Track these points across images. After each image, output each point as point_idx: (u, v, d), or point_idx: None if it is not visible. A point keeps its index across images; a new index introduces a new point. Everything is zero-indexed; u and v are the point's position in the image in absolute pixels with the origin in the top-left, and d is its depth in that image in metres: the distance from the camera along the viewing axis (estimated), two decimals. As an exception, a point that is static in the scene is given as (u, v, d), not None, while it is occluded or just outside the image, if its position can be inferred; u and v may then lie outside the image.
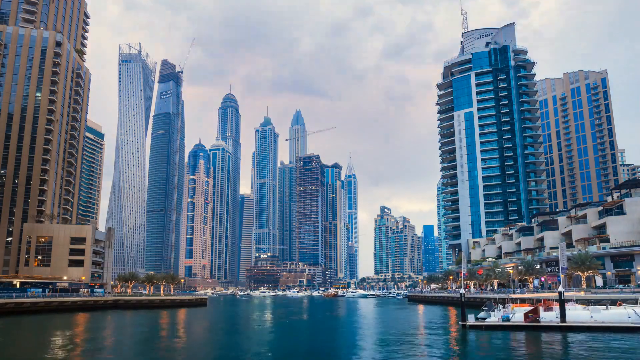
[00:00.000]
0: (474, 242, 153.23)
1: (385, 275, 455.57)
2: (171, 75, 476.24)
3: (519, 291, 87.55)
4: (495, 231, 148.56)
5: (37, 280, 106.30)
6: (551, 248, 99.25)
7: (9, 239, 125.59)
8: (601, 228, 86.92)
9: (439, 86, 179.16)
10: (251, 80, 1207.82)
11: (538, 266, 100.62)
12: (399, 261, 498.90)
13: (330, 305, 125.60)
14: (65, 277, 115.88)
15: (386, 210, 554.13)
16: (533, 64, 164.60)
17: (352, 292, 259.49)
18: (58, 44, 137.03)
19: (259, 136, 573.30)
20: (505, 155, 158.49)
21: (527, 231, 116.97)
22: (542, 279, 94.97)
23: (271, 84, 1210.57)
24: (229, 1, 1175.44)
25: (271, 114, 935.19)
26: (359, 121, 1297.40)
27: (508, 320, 49.20)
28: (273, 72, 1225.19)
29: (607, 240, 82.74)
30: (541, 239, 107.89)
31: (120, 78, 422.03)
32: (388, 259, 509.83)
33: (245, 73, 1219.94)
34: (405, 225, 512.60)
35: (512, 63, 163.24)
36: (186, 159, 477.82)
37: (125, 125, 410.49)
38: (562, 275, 76.07)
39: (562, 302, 47.39)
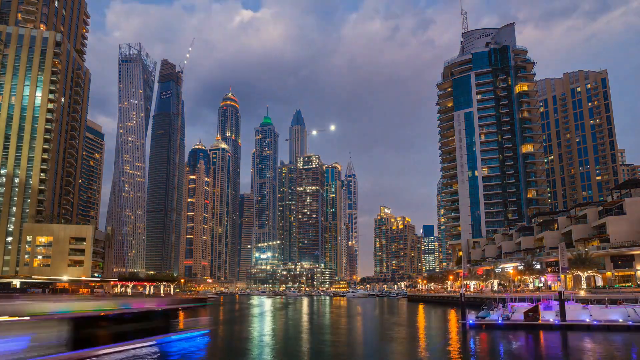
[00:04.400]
0: (474, 242, 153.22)
1: (385, 275, 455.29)
2: (171, 75, 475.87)
3: (519, 290, 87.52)
4: (495, 231, 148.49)
5: (37, 280, 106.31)
6: (551, 248, 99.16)
7: (9, 238, 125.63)
8: (601, 228, 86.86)
9: (439, 86, 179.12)
10: (252, 80, 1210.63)
11: (538, 266, 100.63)
12: (399, 261, 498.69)
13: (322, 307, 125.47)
14: (65, 277, 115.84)
15: (386, 210, 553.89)
16: (533, 63, 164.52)
17: (352, 291, 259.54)
18: (58, 44, 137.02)
19: (259, 136, 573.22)
20: (505, 155, 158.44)
21: (527, 231, 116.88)
22: (542, 278, 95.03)
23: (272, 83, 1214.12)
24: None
25: (271, 114, 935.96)
26: (359, 120, 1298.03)
27: (508, 319, 49.29)
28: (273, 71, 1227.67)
29: (607, 240, 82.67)
30: (541, 239, 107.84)
31: (120, 78, 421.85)
32: (388, 259, 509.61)
33: (245, 72, 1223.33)
34: (405, 225, 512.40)
35: (512, 63, 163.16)
36: (186, 159, 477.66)
37: (125, 125, 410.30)
38: (562, 275, 76.22)
39: (562, 301, 47.48)
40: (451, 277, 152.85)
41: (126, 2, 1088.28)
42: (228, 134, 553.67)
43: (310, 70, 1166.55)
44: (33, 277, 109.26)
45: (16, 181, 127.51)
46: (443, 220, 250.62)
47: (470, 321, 50.01)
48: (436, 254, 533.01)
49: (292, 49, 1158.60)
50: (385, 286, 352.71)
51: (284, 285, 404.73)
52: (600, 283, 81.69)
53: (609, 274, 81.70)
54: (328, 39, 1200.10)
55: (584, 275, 79.42)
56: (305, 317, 75.07)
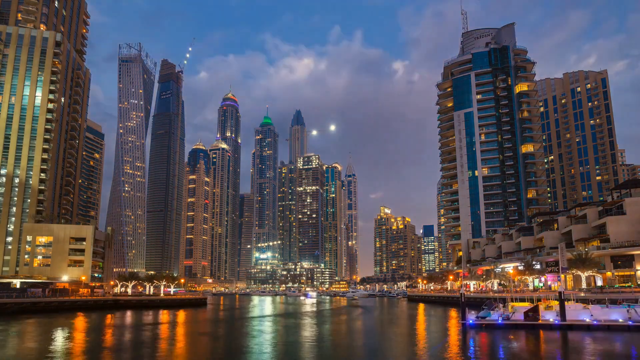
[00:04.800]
0: (474, 242, 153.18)
1: (385, 275, 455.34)
2: (171, 75, 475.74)
3: (519, 291, 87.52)
4: (495, 231, 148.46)
5: (37, 280, 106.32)
6: (551, 248, 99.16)
7: (9, 238, 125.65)
8: (601, 228, 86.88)
9: (439, 86, 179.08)
10: (252, 80, 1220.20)
11: (538, 266, 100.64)
12: (399, 261, 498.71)
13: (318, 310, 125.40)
14: (65, 277, 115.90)
15: (386, 210, 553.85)
16: (533, 63, 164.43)
17: (352, 291, 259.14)
18: (58, 44, 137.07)
19: (259, 136, 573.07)
20: (505, 155, 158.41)
21: (527, 231, 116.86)
22: (542, 278, 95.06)
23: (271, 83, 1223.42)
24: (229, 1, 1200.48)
25: (271, 114, 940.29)
26: (360, 121, 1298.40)
27: (508, 319, 49.29)
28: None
29: (607, 240, 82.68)
30: (541, 239, 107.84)
31: (120, 78, 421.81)
32: (388, 259, 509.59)
33: (245, 73, 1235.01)
34: (405, 225, 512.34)
35: (512, 63, 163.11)
36: (186, 159, 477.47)
37: (125, 125, 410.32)
38: (562, 275, 76.24)
39: (562, 301, 47.48)
40: (451, 277, 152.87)
41: (219, 55, 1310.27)
42: (228, 134, 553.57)
43: (344, 112, 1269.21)
44: (33, 277, 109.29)
45: (16, 181, 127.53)
46: (443, 220, 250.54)
47: (470, 321, 50.01)
48: (436, 254, 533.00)
49: (340, 97, 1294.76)
50: (385, 286, 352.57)
51: (284, 285, 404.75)
52: (600, 283, 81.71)
53: (609, 274, 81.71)
54: (367, 90, 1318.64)
55: (584, 275, 79.43)
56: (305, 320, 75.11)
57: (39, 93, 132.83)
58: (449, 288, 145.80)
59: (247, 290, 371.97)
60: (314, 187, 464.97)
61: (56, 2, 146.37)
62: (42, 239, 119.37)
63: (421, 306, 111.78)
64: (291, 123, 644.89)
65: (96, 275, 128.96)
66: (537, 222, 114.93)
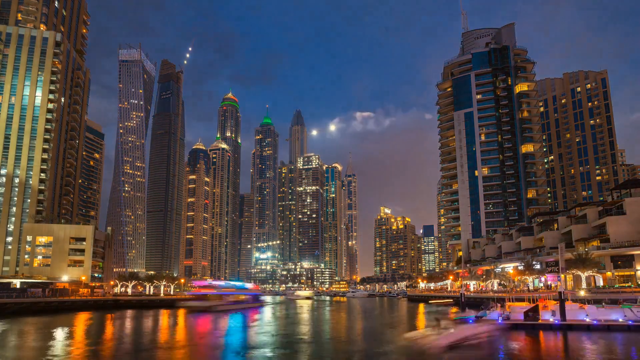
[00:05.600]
0: (474, 242, 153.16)
1: (385, 275, 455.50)
2: (171, 75, 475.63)
3: (519, 291, 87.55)
4: (495, 231, 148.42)
5: (37, 280, 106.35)
6: (551, 248, 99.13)
7: (9, 238, 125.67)
8: (601, 228, 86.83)
9: (439, 86, 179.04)
10: (251, 80, 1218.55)
11: (538, 266, 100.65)
12: (398, 261, 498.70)
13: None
14: (65, 277, 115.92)
15: (386, 210, 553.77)
16: (533, 63, 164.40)
17: (353, 291, 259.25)
18: (58, 44, 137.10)
19: (259, 136, 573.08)
20: (505, 155, 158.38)
21: (527, 231, 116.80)
22: (542, 278, 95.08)
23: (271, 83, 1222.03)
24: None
25: (271, 114, 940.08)
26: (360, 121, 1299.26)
27: (508, 318, 49.32)
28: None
29: (607, 240, 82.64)
30: (541, 239, 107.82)
31: (120, 78, 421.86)
32: (388, 259, 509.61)
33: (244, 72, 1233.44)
34: (405, 225, 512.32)
35: (512, 63, 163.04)
36: (186, 159, 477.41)
37: (125, 125, 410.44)
38: (562, 275, 76.30)
39: (562, 301, 47.52)
40: (451, 277, 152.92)
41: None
42: (228, 134, 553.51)
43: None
44: (33, 277, 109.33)
45: (16, 181, 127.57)
46: (443, 220, 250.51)
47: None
48: (436, 254, 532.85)
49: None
50: (385, 286, 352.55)
51: (284, 286, 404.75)
52: (600, 283, 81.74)
53: (609, 274, 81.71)
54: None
55: (584, 275, 79.45)
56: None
57: (39, 93, 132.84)
58: (449, 288, 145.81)
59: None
60: (314, 187, 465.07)
61: (56, 2, 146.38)
62: (42, 239, 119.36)
63: (421, 306, 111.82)
64: (291, 123, 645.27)
65: (96, 275, 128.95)
66: (537, 222, 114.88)
